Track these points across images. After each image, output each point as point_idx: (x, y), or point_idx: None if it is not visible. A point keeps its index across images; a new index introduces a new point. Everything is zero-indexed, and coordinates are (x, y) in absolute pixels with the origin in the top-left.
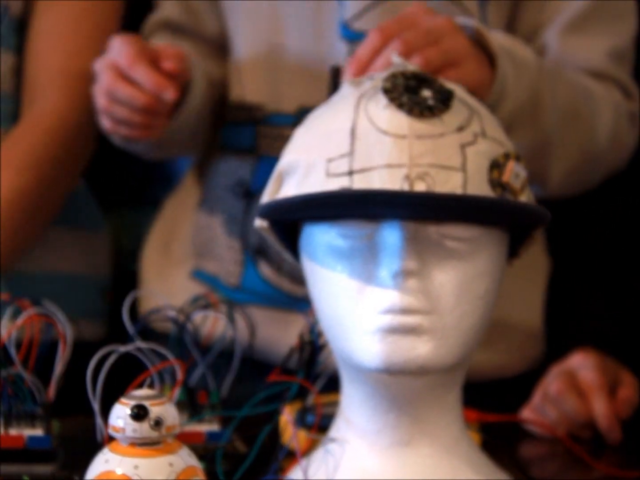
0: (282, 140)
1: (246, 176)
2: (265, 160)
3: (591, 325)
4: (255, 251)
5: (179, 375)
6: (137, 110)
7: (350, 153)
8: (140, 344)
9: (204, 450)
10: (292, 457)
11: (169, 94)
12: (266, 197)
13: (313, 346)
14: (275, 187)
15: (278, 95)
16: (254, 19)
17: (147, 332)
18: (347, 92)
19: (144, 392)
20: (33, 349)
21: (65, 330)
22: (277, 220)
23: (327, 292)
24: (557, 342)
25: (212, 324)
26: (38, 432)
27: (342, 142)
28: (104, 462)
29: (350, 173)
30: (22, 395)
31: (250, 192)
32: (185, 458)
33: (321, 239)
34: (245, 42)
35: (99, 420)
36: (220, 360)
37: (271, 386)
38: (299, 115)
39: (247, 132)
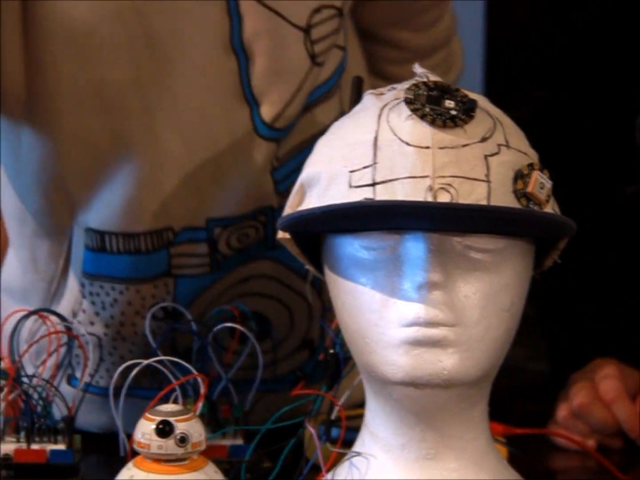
0: None
1: None
2: None
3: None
4: None
5: (202, 388)
6: None
7: (373, 164)
8: (163, 357)
9: (227, 464)
10: (316, 471)
11: None
12: (288, 209)
13: (337, 359)
14: (297, 199)
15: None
16: None
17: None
18: (369, 103)
19: (170, 407)
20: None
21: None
22: (298, 232)
23: (350, 304)
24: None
25: (235, 337)
26: (60, 446)
27: (364, 154)
28: (128, 477)
29: (373, 184)
30: (44, 410)
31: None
32: (211, 475)
33: (344, 251)
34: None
35: (122, 435)
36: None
37: (295, 399)
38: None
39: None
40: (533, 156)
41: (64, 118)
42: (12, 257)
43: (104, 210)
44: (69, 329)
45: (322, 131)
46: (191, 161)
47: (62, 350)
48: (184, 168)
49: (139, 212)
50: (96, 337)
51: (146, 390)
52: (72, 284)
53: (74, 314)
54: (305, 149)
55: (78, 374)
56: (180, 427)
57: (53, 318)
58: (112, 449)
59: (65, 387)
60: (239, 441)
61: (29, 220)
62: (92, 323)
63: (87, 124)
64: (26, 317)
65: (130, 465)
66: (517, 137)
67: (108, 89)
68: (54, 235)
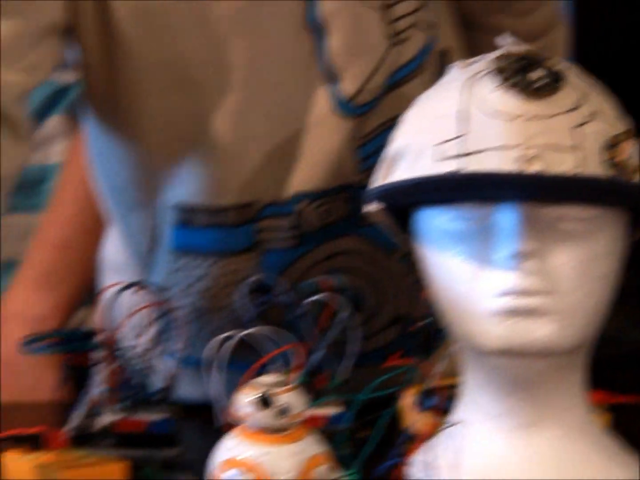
0: None
1: None
2: None
3: None
4: None
5: (299, 359)
6: None
7: (462, 135)
8: (260, 328)
9: (326, 434)
10: (414, 441)
11: None
12: (376, 181)
13: (429, 330)
14: (385, 172)
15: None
16: None
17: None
18: (455, 74)
19: (270, 378)
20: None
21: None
22: (388, 205)
23: (442, 276)
24: None
25: (330, 307)
26: (159, 416)
27: (452, 125)
28: (228, 448)
29: (462, 156)
30: (142, 381)
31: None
32: (312, 445)
33: (434, 223)
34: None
35: (220, 406)
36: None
37: (391, 369)
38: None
39: None
40: (624, 125)
41: (145, 100)
42: (111, 233)
43: (189, 186)
44: (164, 302)
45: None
46: (273, 137)
47: (159, 322)
48: (266, 144)
49: (224, 187)
50: (189, 310)
51: (241, 362)
52: (162, 258)
53: (165, 289)
54: (390, 127)
55: (174, 346)
56: (280, 399)
57: (149, 291)
58: (210, 420)
59: (162, 359)
60: (336, 410)
61: (120, 196)
62: (183, 297)
63: (168, 104)
64: (123, 290)
65: (231, 435)
66: (608, 106)
67: (187, 68)
68: (143, 211)
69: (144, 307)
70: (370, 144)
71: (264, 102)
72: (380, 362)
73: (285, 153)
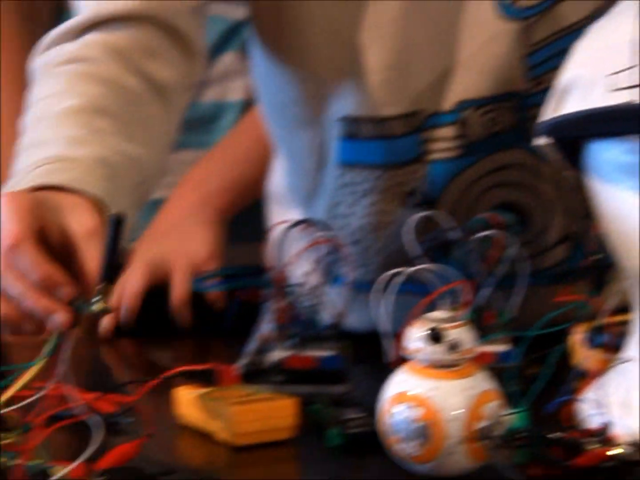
0: None
1: None
2: None
3: None
4: None
5: (467, 296)
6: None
7: (635, 66)
8: (426, 265)
9: (495, 370)
10: (584, 378)
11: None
12: (546, 114)
13: (601, 264)
14: (556, 104)
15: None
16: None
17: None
18: (628, 3)
19: (440, 314)
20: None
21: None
22: (558, 138)
23: (614, 211)
24: None
25: (496, 244)
26: (329, 353)
27: (625, 55)
28: (400, 383)
29: (635, 86)
30: (312, 317)
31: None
32: (482, 381)
33: (606, 156)
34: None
35: (389, 341)
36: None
37: (561, 306)
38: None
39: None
40: None
41: (310, 11)
42: (275, 164)
43: (354, 96)
44: (332, 238)
45: (581, 20)
46: (435, 43)
47: (327, 259)
48: (429, 51)
49: (389, 96)
50: (355, 228)
51: (407, 285)
52: (329, 176)
53: (333, 207)
54: (563, 37)
55: (343, 276)
56: (450, 334)
57: (317, 228)
58: (379, 354)
59: (331, 293)
60: (505, 348)
61: (286, 114)
62: (349, 215)
63: (332, 13)
64: (292, 227)
65: (401, 370)
66: None
67: None
68: (310, 127)
69: (313, 244)
70: (540, 53)
71: (425, 8)
72: (549, 283)
73: (449, 59)
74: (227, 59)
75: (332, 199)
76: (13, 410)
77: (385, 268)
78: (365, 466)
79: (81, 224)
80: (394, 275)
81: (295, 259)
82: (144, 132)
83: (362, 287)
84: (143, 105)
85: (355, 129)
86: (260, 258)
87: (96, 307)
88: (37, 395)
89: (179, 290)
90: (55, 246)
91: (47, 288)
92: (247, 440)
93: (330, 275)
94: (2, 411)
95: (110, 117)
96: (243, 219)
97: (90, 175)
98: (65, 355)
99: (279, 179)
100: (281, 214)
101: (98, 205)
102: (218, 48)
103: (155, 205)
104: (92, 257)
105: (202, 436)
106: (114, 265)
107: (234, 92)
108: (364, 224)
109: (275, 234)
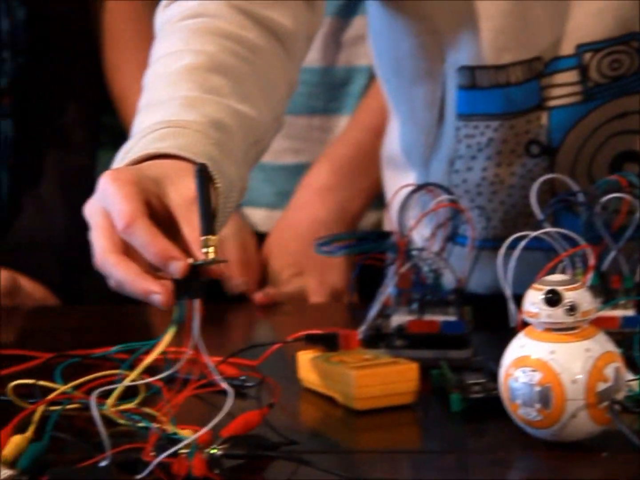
0: None
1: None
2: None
3: None
4: None
5: (592, 259)
6: None
7: None
8: (549, 228)
9: (619, 335)
10: None
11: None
12: None
13: None
14: None
15: None
16: None
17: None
18: None
19: (557, 277)
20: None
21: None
22: None
23: None
24: None
25: (624, 207)
26: (451, 317)
27: None
28: (519, 347)
29: None
30: (434, 281)
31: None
32: (602, 343)
33: None
34: None
35: (511, 305)
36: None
37: None
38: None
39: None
40: None
41: None
42: (390, 127)
43: (472, 45)
44: (454, 202)
45: None
46: None
47: (450, 223)
48: None
49: (507, 43)
50: (473, 184)
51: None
52: (448, 130)
53: (451, 162)
54: None
55: (462, 240)
56: (568, 296)
57: (440, 192)
58: (501, 318)
59: (454, 254)
60: (631, 312)
61: (404, 69)
62: (469, 169)
63: None
64: (416, 191)
65: (520, 335)
66: None
67: None
68: (428, 80)
69: (436, 208)
70: None
71: None
72: None
73: (565, 2)
74: (358, 23)
75: (450, 154)
76: (150, 377)
77: (506, 223)
78: (487, 432)
79: (181, 194)
80: (518, 238)
81: (417, 223)
82: (261, 89)
83: (482, 245)
84: (263, 57)
85: (474, 79)
86: (379, 223)
87: (207, 259)
88: (179, 364)
89: None
90: (160, 218)
91: (163, 263)
92: (368, 405)
93: (453, 239)
94: (144, 381)
95: (227, 75)
96: None
97: (200, 141)
98: (195, 323)
99: (394, 141)
100: (397, 178)
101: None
102: (348, 11)
103: (283, 171)
104: (193, 228)
105: (325, 400)
106: (209, 216)
107: (364, 57)
108: (483, 177)
109: (397, 198)
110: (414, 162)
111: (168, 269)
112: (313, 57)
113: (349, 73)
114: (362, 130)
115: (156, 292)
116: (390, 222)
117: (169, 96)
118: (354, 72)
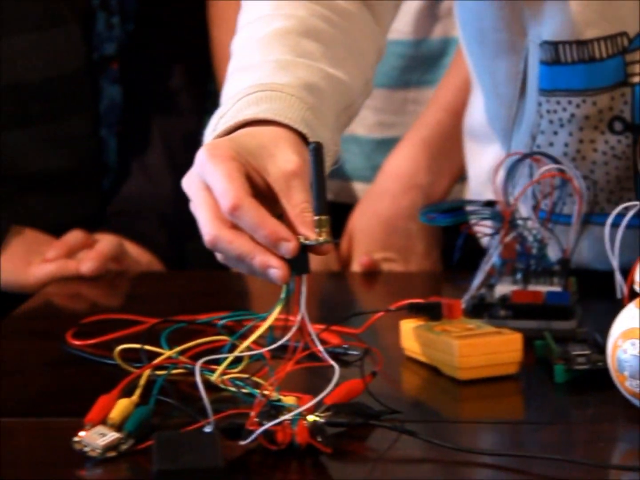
0: None
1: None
2: None
3: None
4: None
5: None
6: None
7: None
8: None
9: None
10: None
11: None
12: None
13: None
14: None
15: None
16: None
17: None
18: None
19: None
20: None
21: (582, 186)
22: None
23: None
24: None
25: None
26: (556, 288)
27: None
28: (629, 318)
29: None
30: (539, 252)
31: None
32: None
33: None
34: None
35: (618, 276)
36: None
37: None
38: None
39: None
40: None
41: None
42: (473, 98)
43: (556, 20)
44: (561, 171)
45: None
46: None
47: (556, 192)
48: None
49: (592, 17)
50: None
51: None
52: (530, 105)
53: (533, 137)
54: None
55: (567, 210)
56: None
57: (546, 160)
58: (606, 289)
59: (559, 228)
60: None
61: (487, 42)
62: (551, 144)
63: None
64: (521, 159)
65: (630, 306)
66: None
67: None
68: (511, 54)
69: (542, 177)
70: None
71: None
72: None
73: None
74: None
75: (532, 129)
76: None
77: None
78: (591, 404)
79: (280, 168)
80: (625, 208)
81: (523, 192)
82: (351, 54)
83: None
84: (352, 22)
85: (557, 54)
86: (460, 193)
87: (318, 239)
88: (288, 335)
89: None
90: (258, 191)
91: (273, 244)
92: (472, 375)
93: (558, 209)
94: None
95: (318, 39)
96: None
97: (295, 105)
98: (302, 298)
99: (476, 113)
100: (479, 150)
101: (300, 138)
102: None
103: (378, 144)
104: (294, 204)
105: (427, 369)
106: (323, 196)
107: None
108: (565, 153)
109: (503, 167)
110: (496, 135)
111: (279, 249)
112: (407, 30)
113: (444, 44)
114: (442, 111)
115: (275, 266)
116: (497, 190)
117: (261, 60)
118: (450, 43)
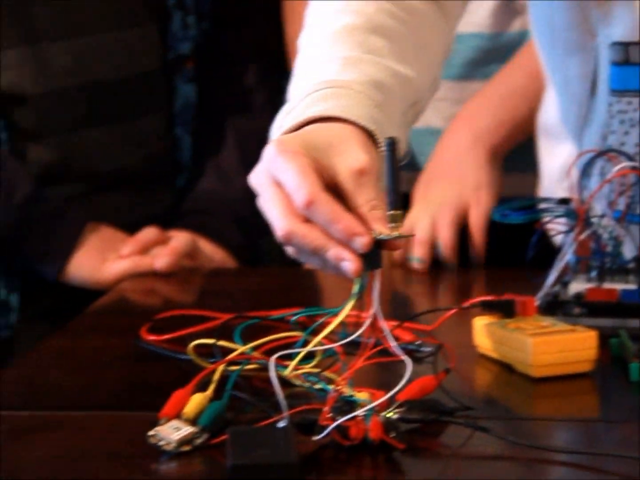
0: None
1: None
2: None
3: None
4: None
5: None
6: None
7: None
8: None
9: None
10: None
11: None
12: None
13: None
14: None
15: None
16: None
17: None
18: None
19: None
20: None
21: None
22: None
23: None
24: None
25: None
26: (631, 286)
27: None
28: None
29: None
30: (614, 250)
31: None
32: None
33: None
34: None
35: None
36: None
37: None
38: None
39: None
40: None
41: None
42: (546, 96)
43: (625, 21)
44: (637, 169)
45: None
46: None
47: (632, 190)
48: None
49: None
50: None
51: None
52: (601, 104)
53: (604, 137)
54: None
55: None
56: None
57: (622, 158)
58: None
59: (633, 226)
60: None
61: (557, 40)
62: (622, 144)
63: None
64: (597, 156)
65: None
66: None
67: None
68: (581, 53)
69: (618, 174)
70: None
71: None
72: None
73: None
74: None
75: (603, 129)
76: (327, 342)
77: None
78: None
79: (348, 166)
80: None
81: (599, 189)
82: (418, 50)
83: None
84: (419, 18)
85: (627, 55)
86: (532, 189)
87: (392, 234)
88: (361, 330)
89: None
90: (329, 187)
91: (348, 239)
92: (546, 372)
93: (635, 206)
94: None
95: (385, 35)
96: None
97: (362, 102)
98: (375, 292)
99: (550, 110)
100: (551, 147)
101: (368, 136)
102: None
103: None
104: (365, 201)
105: (501, 366)
106: (397, 191)
107: None
108: (636, 154)
109: (578, 164)
110: (568, 134)
111: (353, 244)
112: (485, 23)
113: (522, 37)
114: (514, 69)
115: (348, 259)
116: (573, 187)
117: (328, 57)
118: (528, 36)
